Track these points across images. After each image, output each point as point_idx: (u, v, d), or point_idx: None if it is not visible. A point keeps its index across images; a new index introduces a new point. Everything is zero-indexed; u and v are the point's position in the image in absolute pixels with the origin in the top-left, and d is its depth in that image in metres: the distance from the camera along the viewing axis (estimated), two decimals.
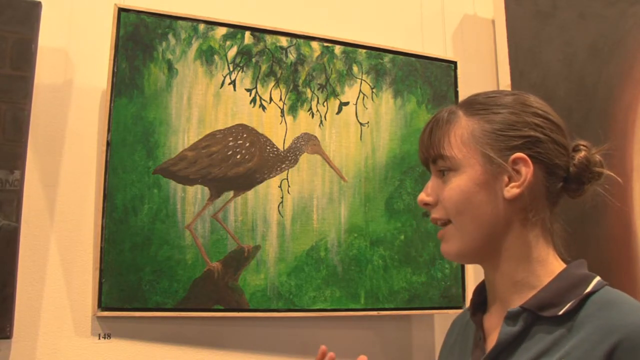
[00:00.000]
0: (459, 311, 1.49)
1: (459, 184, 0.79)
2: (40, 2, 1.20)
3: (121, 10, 1.26)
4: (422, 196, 0.83)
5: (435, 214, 0.83)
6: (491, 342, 0.81)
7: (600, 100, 1.50)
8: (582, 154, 0.81)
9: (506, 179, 0.78)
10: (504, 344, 0.76)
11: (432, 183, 0.84)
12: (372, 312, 1.39)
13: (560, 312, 0.74)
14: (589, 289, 0.74)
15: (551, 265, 0.80)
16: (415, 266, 1.44)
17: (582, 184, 0.82)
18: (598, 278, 0.77)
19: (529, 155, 0.78)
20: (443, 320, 1.54)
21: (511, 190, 0.78)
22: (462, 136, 0.80)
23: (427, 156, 0.84)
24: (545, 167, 0.79)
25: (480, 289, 0.90)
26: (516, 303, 0.78)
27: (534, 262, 0.80)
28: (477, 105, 0.82)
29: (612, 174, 0.82)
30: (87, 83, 1.29)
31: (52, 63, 1.27)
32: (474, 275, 1.58)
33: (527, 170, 0.77)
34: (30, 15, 1.19)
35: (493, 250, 0.81)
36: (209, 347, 1.29)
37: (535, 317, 0.76)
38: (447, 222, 0.82)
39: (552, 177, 0.80)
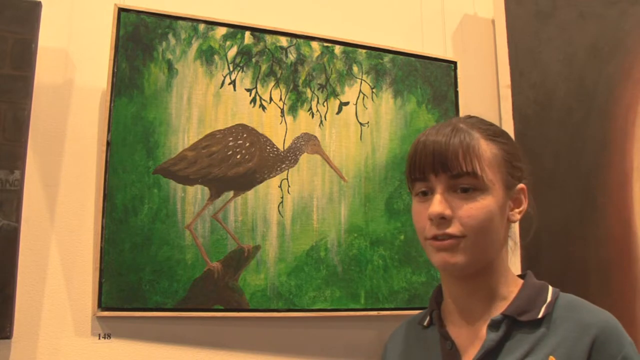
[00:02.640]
0: None
1: (487, 204, 0.83)
2: (40, 2, 1.20)
3: (121, 10, 1.27)
4: (442, 209, 0.82)
5: (451, 229, 0.82)
6: (465, 350, 0.87)
7: (600, 100, 1.50)
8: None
9: (511, 204, 0.88)
10: (489, 349, 0.83)
11: (445, 198, 0.83)
12: (372, 312, 1.39)
13: (540, 315, 0.83)
14: (551, 295, 0.86)
15: (513, 277, 0.91)
16: (415, 266, 1.44)
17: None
18: (549, 285, 0.89)
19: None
20: None
21: (516, 215, 0.89)
22: (489, 159, 0.85)
23: (448, 168, 0.82)
24: None
25: (437, 301, 0.96)
26: (482, 313, 0.87)
27: (506, 274, 0.90)
28: (489, 130, 0.88)
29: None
30: (87, 83, 1.29)
31: (52, 63, 1.27)
32: None
33: (525, 199, 0.89)
34: (30, 15, 1.19)
35: (485, 267, 0.87)
36: (209, 347, 1.29)
37: (513, 322, 0.84)
38: (457, 237, 0.83)
39: None
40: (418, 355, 0.95)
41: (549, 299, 0.85)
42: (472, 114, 0.96)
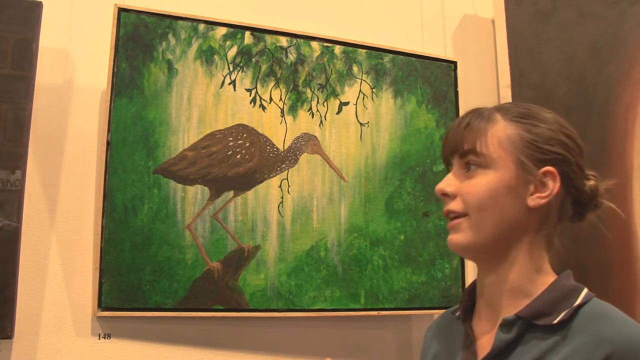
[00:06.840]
0: None
1: (487, 181, 0.81)
2: (40, 2, 1.20)
3: (121, 10, 1.27)
4: (442, 186, 0.84)
5: (452, 206, 0.84)
6: (481, 346, 0.83)
7: (600, 100, 1.50)
8: (592, 182, 0.86)
9: (532, 188, 0.81)
10: (498, 350, 0.79)
11: (453, 175, 0.85)
12: (372, 312, 1.39)
13: (555, 321, 0.77)
14: (579, 300, 0.78)
15: (546, 276, 0.84)
16: (415, 266, 1.44)
17: (585, 211, 0.86)
18: (586, 289, 0.81)
19: (557, 171, 0.81)
20: None
21: (536, 200, 0.81)
22: (499, 138, 0.82)
23: (456, 149, 0.84)
24: (565, 186, 0.83)
25: (470, 293, 0.92)
26: (508, 310, 0.82)
27: (534, 270, 0.83)
28: (517, 113, 0.84)
29: (613, 206, 0.87)
30: (87, 83, 1.29)
31: (53, 63, 1.27)
32: (473, 275, 1.58)
33: (554, 185, 0.81)
34: (30, 16, 1.19)
35: (500, 253, 0.83)
36: (209, 347, 1.29)
37: (528, 324, 0.79)
38: (461, 215, 0.83)
39: (568, 196, 0.84)
40: (445, 345, 0.93)
41: (575, 303, 0.78)
42: None
